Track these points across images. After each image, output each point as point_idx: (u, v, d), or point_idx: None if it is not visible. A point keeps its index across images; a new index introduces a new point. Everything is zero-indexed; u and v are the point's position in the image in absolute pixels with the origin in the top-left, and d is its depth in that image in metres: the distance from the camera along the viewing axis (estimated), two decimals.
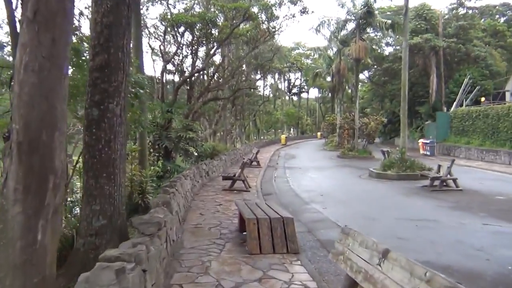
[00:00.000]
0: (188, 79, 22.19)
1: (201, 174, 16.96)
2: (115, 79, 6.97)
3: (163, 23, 21.10)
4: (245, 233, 8.13)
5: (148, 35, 22.76)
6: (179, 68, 22.78)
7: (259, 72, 36.73)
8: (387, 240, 8.29)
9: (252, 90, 38.24)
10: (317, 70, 53.24)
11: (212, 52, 22.26)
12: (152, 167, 15.99)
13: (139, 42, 13.91)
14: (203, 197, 13.72)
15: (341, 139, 41.02)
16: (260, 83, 50.16)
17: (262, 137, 62.90)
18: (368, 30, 40.43)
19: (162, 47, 22.36)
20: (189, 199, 12.64)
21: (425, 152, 33.23)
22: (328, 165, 27.27)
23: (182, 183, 11.89)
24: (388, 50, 56.28)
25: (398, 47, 48.55)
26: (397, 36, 40.21)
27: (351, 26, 36.36)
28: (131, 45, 13.74)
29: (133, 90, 10.85)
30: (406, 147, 20.41)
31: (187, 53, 21.97)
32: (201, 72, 26.01)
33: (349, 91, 65.43)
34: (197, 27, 20.38)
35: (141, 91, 11.04)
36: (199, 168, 16.95)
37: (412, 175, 18.39)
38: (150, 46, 23.11)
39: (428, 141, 33.81)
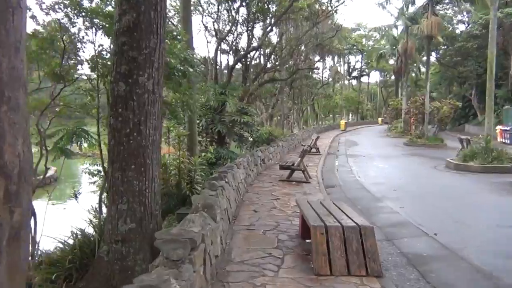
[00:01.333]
0: (243, 59, 20.64)
1: (256, 162, 15.42)
2: (146, 45, 5.48)
3: None
4: (308, 240, 6.47)
5: (202, 13, 21.41)
6: (234, 47, 21.27)
7: (318, 53, 34.48)
8: (496, 261, 6.28)
9: (311, 72, 36.12)
10: (382, 51, 49.87)
11: (269, 27, 20.43)
12: (203, 154, 14.71)
13: (187, 13, 12.45)
14: (258, 189, 12.17)
15: (407, 125, 37.96)
16: (319, 65, 47.72)
17: (320, 123, 60.51)
18: (439, 6, 36.86)
19: (215, 25, 20.94)
20: (242, 191, 11.12)
21: (503, 140, 29.64)
22: (395, 153, 24.82)
23: (234, 174, 10.39)
24: (460, 28, 51.69)
25: (473, 24, 44.05)
26: (475, 10, 36.16)
27: (421, 1, 33.08)
28: (180, 17, 12.33)
29: (181, 68, 9.44)
30: (491, 135, 17.69)
31: (242, 30, 20.41)
32: (257, 52, 24.41)
33: (413, 74, 61.18)
34: (254, 1, 18.67)
35: (191, 69, 9.58)
36: (254, 155, 15.42)
37: (501, 168, 15.75)
38: (203, 24, 21.74)
39: (508, 128, 30.15)
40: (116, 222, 5.44)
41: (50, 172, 26.87)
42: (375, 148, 27.60)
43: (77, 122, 9.16)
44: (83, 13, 7.58)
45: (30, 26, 9.29)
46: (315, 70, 40.96)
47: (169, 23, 19.80)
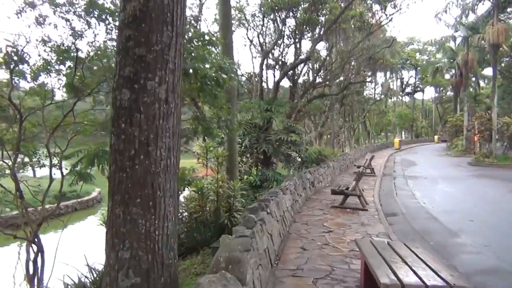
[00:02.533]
0: (290, 72, 19.25)
1: (305, 185, 13.80)
2: (157, 40, 4.17)
3: (262, 8, 18.47)
4: None
5: (246, 27, 20.33)
6: (280, 61, 19.95)
7: (370, 68, 32.51)
8: None
9: (363, 88, 34.12)
10: (438, 65, 46.96)
11: (318, 37, 18.88)
12: (245, 176, 13.29)
13: (227, 21, 11.21)
14: (306, 218, 10.54)
15: (470, 143, 34.91)
16: (370, 81, 45.46)
17: (372, 141, 57.77)
18: (501, 14, 33.87)
19: (260, 38, 19.75)
20: (288, 221, 9.55)
21: None
22: (460, 174, 22.30)
23: (278, 201, 8.87)
24: None
25: None
26: None
27: (482, 8, 30.50)
28: (219, 25, 11.12)
29: (213, 74, 8.15)
30: None
31: (289, 42, 19.07)
32: (305, 67, 22.97)
33: (471, 89, 57.26)
34: (301, 9, 17.33)
35: (224, 76, 8.26)
36: (302, 178, 13.82)
37: None
38: (248, 38, 20.68)
39: None
40: (115, 275, 4.07)
41: (93, 194, 26.60)
42: (436, 169, 25.14)
43: (98, 143, 8.04)
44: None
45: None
46: (366, 86, 38.90)
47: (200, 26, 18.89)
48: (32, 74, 7.62)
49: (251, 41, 20.68)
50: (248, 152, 17.55)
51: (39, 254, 6.79)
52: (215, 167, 10.77)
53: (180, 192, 10.80)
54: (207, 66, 8.29)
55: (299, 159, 20.16)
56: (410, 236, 9.16)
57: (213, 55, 8.96)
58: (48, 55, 7.20)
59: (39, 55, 7.52)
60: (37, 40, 7.47)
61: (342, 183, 15.82)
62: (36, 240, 6.88)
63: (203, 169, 11.03)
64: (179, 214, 10.64)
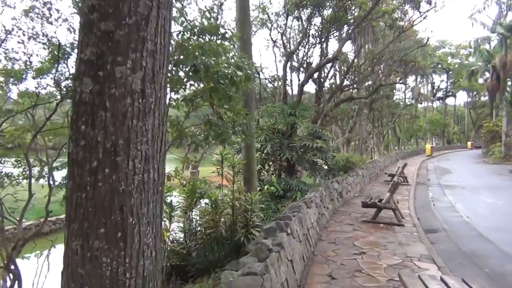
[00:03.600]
0: (316, 75, 17.99)
1: (332, 196, 12.51)
2: (130, 11, 3.06)
3: (286, 6, 17.31)
4: None
5: (270, 27, 19.20)
6: (305, 62, 18.70)
7: (401, 70, 30.85)
8: None
9: (394, 91, 32.44)
10: (474, 67, 44.69)
11: (347, 34, 17.43)
12: (265, 186, 12.12)
13: (245, 14, 10.08)
14: (334, 235, 9.27)
15: (510, 150, 32.70)
16: (401, 85, 43.61)
17: (402, 147, 55.62)
18: None
19: (284, 37, 18.54)
20: (313, 240, 8.30)
21: None
22: (503, 184, 20.47)
23: (302, 217, 7.65)
24: None
25: None
26: None
27: None
28: (236, 20, 10.03)
29: (227, 71, 7.06)
30: None
31: (315, 42, 17.81)
32: (332, 68, 21.64)
33: (506, 94, 54.41)
34: (328, 6, 16.08)
35: (239, 72, 7.15)
36: (329, 188, 12.53)
37: None
38: (271, 39, 19.53)
39: None
40: None
41: None
42: (474, 177, 23.33)
43: None
44: None
45: None
46: (396, 89, 37.15)
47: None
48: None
49: (274, 42, 19.55)
50: (271, 159, 16.34)
51: (16, 282, 5.77)
52: (230, 176, 9.65)
53: (193, 207, 9.74)
54: (223, 63, 7.23)
55: (326, 167, 18.84)
56: (457, 259, 7.77)
57: (230, 53, 7.89)
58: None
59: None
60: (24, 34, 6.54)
61: (373, 193, 14.46)
62: (12, 266, 5.87)
63: (219, 179, 9.92)
64: (191, 229, 9.57)
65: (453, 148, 66.49)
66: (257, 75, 17.98)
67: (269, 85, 22.31)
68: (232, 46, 7.87)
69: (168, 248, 8.68)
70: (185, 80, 7.46)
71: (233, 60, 7.77)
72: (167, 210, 8.57)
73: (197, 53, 6.91)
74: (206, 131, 7.80)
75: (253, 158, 9.93)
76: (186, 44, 7.01)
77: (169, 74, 7.59)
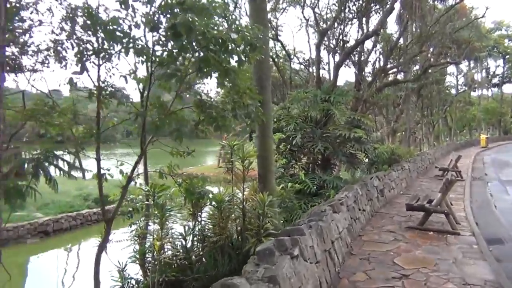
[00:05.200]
0: (355, 56, 15.81)
1: (371, 195, 10.51)
2: None
3: None
4: None
5: (302, 4, 17.14)
6: (341, 41, 16.53)
7: (453, 52, 27.77)
8: None
9: (444, 77, 29.38)
10: None
11: (391, 4, 14.91)
12: (289, 184, 10.33)
13: None
14: (369, 247, 7.32)
15: None
16: (452, 69, 40.06)
17: (454, 138, 51.72)
18: None
19: (316, 13, 16.41)
20: (340, 256, 6.40)
21: None
22: None
23: (323, 228, 5.80)
24: None
25: None
26: None
27: None
28: None
29: (216, 32, 5.35)
30: None
31: (352, 16, 15.60)
32: (374, 49, 19.30)
33: None
34: None
35: (234, 35, 5.40)
36: (368, 185, 10.54)
37: None
38: (304, 17, 17.48)
39: None
40: None
41: None
42: None
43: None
44: None
45: None
46: (447, 75, 33.88)
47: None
48: None
49: (307, 21, 17.51)
50: (301, 152, 14.43)
51: None
52: (240, 172, 7.92)
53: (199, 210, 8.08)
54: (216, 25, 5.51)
55: (366, 160, 16.73)
56: None
57: (230, 16, 6.14)
58: None
59: None
60: None
61: (421, 191, 12.31)
62: None
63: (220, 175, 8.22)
64: (195, 236, 7.94)
65: (511, 139, 61.49)
66: (288, 58, 16.23)
67: (303, 70, 20.32)
68: (231, 7, 6.09)
69: (161, 260, 7.06)
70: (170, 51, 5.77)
71: (232, 25, 6.01)
72: (157, 213, 6.96)
73: (176, 10, 5.22)
74: (197, 115, 6.12)
75: (269, 150, 8.12)
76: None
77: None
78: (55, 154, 5.12)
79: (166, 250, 7.42)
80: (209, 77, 6.10)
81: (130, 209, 8.03)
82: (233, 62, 5.98)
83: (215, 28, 5.43)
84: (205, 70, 5.80)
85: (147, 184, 8.00)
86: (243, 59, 6.00)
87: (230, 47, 5.41)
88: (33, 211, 17.27)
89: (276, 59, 20.15)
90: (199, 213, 8.22)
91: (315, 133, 14.00)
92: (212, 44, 5.31)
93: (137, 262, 7.66)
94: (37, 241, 16.09)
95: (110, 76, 5.52)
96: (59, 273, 13.74)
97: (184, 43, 5.20)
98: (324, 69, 17.40)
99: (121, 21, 5.51)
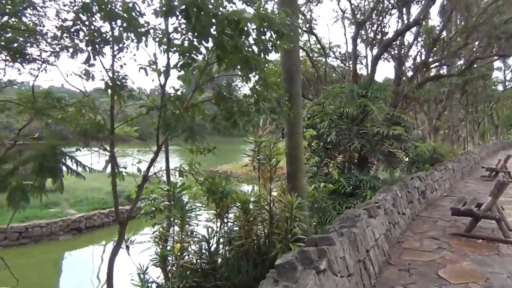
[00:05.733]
0: (395, 50, 14.89)
1: (412, 197, 9.71)
2: None
3: None
4: None
5: None
6: (379, 33, 15.62)
7: (502, 46, 25.99)
8: None
9: (491, 72, 27.62)
10: None
11: None
12: (321, 184, 9.70)
13: None
14: (409, 256, 6.59)
15: None
16: (498, 64, 37.80)
17: (501, 137, 49.08)
18: None
19: (353, 2, 15.57)
20: (377, 266, 5.73)
21: None
22: None
23: (357, 235, 5.16)
24: None
25: None
26: None
27: None
28: None
29: (223, 10, 4.83)
30: None
31: (391, 6, 14.69)
32: (415, 42, 18.23)
33: None
34: None
35: (247, 15, 4.83)
36: (408, 187, 9.75)
37: None
38: (340, 9, 16.71)
39: None
40: None
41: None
42: None
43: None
44: None
45: None
46: (495, 69, 31.93)
47: None
48: None
49: (343, 12, 16.72)
50: (336, 149, 13.70)
51: None
52: (267, 171, 7.37)
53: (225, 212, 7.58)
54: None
55: (407, 159, 15.78)
56: None
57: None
58: None
59: None
60: None
61: (466, 195, 11.35)
62: None
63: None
64: (218, 239, 7.44)
65: None
66: (323, 52, 15.50)
67: (339, 65, 19.50)
68: None
69: (181, 264, 6.61)
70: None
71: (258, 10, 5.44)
72: (177, 214, 6.51)
73: None
74: (219, 111, 5.59)
75: (299, 147, 7.49)
76: None
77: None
78: (63, 151, 4.72)
79: (188, 253, 6.97)
80: (232, 69, 5.61)
81: (153, 208, 7.68)
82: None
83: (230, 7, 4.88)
84: (225, 60, 5.30)
85: (168, 182, 7.59)
86: (269, 47, 5.47)
87: (245, 29, 4.84)
88: (66, 208, 17.37)
89: (310, 54, 19.53)
90: (226, 214, 7.76)
91: (351, 130, 13.25)
92: (228, 29, 4.79)
93: (159, 265, 7.29)
94: (69, 238, 16.15)
95: (121, 67, 5.07)
96: (93, 270, 13.70)
97: (197, 27, 4.68)
98: (362, 63, 16.53)
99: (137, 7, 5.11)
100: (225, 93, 5.38)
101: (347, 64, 18.06)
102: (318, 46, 19.54)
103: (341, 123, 13.35)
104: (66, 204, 17.67)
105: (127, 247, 7.36)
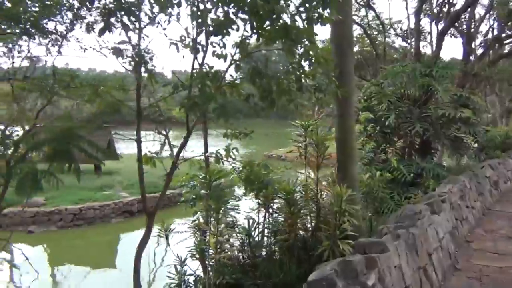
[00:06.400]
0: (462, 20, 13.37)
1: (482, 188, 8.58)
2: None
3: None
4: None
5: None
6: (445, 5, 14.07)
7: None
8: None
9: None
10: None
11: None
12: (377, 173, 8.79)
13: None
14: (480, 259, 5.63)
15: None
16: None
17: None
18: None
19: None
20: (440, 272, 4.84)
21: None
22: None
23: (417, 237, 4.31)
24: None
25: None
26: None
27: None
28: None
29: None
30: None
31: None
32: (487, 16, 16.37)
33: None
34: None
35: None
36: (478, 176, 8.62)
37: None
38: None
39: None
40: None
41: None
42: None
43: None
44: None
45: None
46: None
47: None
48: None
49: None
50: (395, 134, 12.57)
51: None
52: (314, 159, 6.61)
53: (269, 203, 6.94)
54: None
55: (475, 145, 14.30)
56: None
57: None
58: None
59: None
60: None
61: None
62: None
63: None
64: (259, 233, 6.83)
65: None
66: (382, 29, 14.26)
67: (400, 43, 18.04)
68: None
69: (218, 259, 6.07)
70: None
71: None
72: (213, 205, 5.95)
73: None
74: (257, 88, 4.90)
75: (350, 132, 6.64)
76: None
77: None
78: (79, 135, 4.27)
79: (224, 247, 6.41)
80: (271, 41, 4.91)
81: (193, 196, 7.23)
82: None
83: None
84: (261, 30, 4.61)
85: (207, 169, 7.06)
86: (314, 17, 4.72)
87: None
88: (119, 191, 17.55)
89: (368, 30, 18.21)
90: (271, 204, 7.12)
91: (413, 113, 12.05)
92: None
93: (196, 257, 6.82)
94: (121, 220, 16.29)
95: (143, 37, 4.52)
96: (148, 254, 13.70)
97: None
98: (425, 39, 15.09)
99: None
100: (260, 69, 4.68)
101: (408, 42, 16.62)
102: (377, 22, 18.21)
103: (401, 105, 12.19)
104: (119, 187, 17.87)
105: (167, 237, 6.99)
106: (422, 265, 4.30)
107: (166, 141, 5.59)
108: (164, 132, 5.71)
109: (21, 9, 4.35)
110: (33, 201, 15.08)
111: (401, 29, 19.12)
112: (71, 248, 14.54)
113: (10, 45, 4.98)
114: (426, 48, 17.39)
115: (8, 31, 4.27)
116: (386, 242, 3.61)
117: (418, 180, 11.20)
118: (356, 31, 21.23)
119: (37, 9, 4.74)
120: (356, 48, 22.38)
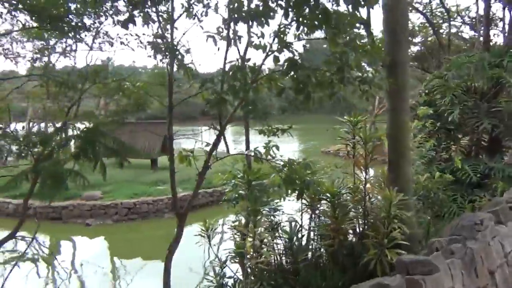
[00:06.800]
0: None
1: None
2: None
3: None
4: None
5: None
6: None
7: None
8: None
9: None
10: None
11: None
12: (436, 174, 8.06)
13: None
14: None
15: None
16: None
17: None
18: None
19: None
20: None
21: None
22: None
23: (480, 251, 3.71)
24: None
25: None
26: None
27: None
28: None
29: None
30: None
31: None
32: None
33: None
34: None
35: None
36: None
37: None
38: None
39: None
40: None
41: None
42: None
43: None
44: None
45: None
46: None
47: None
48: None
49: None
50: (460, 131, 11.59)
51: None
52: (362, 158, 6.07)
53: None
54: None
55: None
56: None
57: None
58: None
59: None
60: None
61: None
62: None
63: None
64: (302, 237, 6.38)
65: None
66: (447, 16, 13.17)
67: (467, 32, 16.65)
68: None
69: (255, 264, 5.72)
70: None
71: None
72: (250, 207, 5.60)
73: None
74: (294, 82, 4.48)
75: (404, 128, 5.99)
76: None
77: None
78: (102, 131, 4.08)
79: (262, 252, 6.04)
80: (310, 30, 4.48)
81: (235, 195, 6.99)
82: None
83: None
84: (300, 19, 4.19)
85: (249, 168, 6.73)
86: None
87: None
88: None
89: (433, 19, 16.93)
90: (318, 206, 6.67)
91: (480, 108, 11.05)
92: None
93: (236, 260, 6.55)
94: (173, 216, 16.44)
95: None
96: (203, 249, 13.79)
97: None
98: (497, 27, 13.76)
99: None
100: (297, 60, 4.24)
101: (477, 30, 15.31)
102: (441, 9, 16.89)
103: (467, 99, 11.20)
104: None
105: (209, 237, 6.79)
106: (482, 286, 3.68)
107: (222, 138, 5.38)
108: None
109: (51, 3, 4.25)
110: (91, 195, 15.62)
111: (468, 17, 17.66)
112: (126, 242, 14.93)
113: (41, 41, 4.91)
114: (497, 37, 15.99)
115: (35, 25, 4.16)
116: (435, 261, 3.06)
117: (484, 181, 10.25)
118: (419, 20, 20.10)
119: (77, 5, 4.65)
120: (418, 39, 21.18)
